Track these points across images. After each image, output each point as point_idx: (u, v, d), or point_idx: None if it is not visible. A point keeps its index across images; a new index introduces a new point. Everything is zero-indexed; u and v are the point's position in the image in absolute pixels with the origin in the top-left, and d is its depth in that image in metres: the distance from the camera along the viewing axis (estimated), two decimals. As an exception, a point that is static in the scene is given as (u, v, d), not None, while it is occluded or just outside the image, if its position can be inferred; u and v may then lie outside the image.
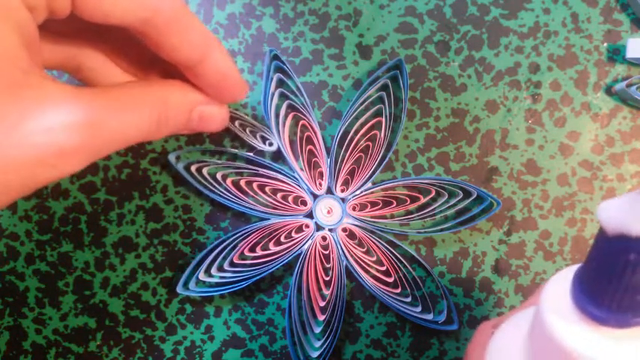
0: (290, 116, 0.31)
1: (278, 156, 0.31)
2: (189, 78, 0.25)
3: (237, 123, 0.30)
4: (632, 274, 0.12)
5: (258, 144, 0.30)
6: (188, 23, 0.22)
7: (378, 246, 0.30)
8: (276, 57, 0.30)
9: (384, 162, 0.30)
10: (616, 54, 0.30)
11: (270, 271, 0.30)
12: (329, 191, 0.31)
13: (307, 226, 0.31)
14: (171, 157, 0.30)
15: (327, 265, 0.31)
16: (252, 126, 0.30)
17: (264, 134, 0.30)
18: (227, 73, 0.24)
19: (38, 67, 0.19)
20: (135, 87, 0.22)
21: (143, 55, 0.25)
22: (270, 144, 0.30)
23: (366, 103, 0.30)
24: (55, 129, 0.19)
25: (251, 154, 0.31)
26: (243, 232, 0.30)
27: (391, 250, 0.30)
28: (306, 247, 0.30)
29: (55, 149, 0.19)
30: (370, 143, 0.30)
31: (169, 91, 0.23)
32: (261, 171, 0.31)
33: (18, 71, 0.18)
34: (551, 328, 0.13)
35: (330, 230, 0.31)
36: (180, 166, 0.30)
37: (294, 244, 0.30)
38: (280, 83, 0.30)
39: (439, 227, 0.30)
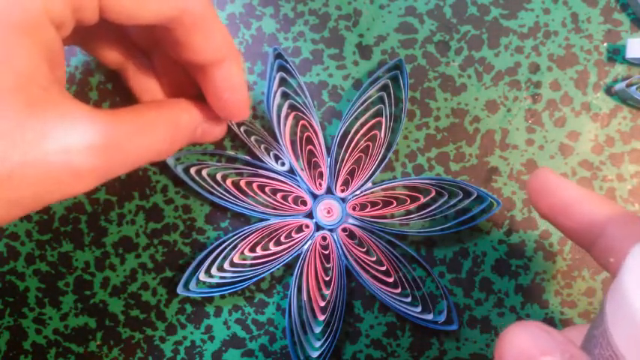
0: (291, 116, 0.31)
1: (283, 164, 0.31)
2: (198, 81, 0.25)
3: (253, 138, 0.30)
4: None
5: (271, 162, 0.30)
6: (214, 24, 0.23)
7: (378, 246, 0.30)
8: (279, 55, 0.30)
9: (384, 162, 0.30)
10: (616, 54, 0.30)
11: (271, 271, 0.30)
12: (329, 191, 0.31)
13: (307, 226, 0.31)
14: (170, 161, 0.30)
15: (327, 265, 0.31)
16: (268, 144, 0.30)
17: (277, 153, 0.30)
18: (236, 86, 0.25)
19: (59, 84, 0.20)
20: (149, 110, 0.23)
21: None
22: (283, 164, 0.30)
23: (366, 103, 0.30)
24: (73, 150, 0.19)
25: (248, 157, 0.31)
26: (243, 232, 0.30)
27: (391, 250, 0.30)
28: (306, 247, 0.30)
29: (70, 170, 0.19)
30: (370, 143, 0.30)
31: (180, 113, 0.24)
32: (261, 171, 0.31)
33: (39, 89, 0.19)
34: None
35: (330, 230, 0.31)
36: (179, 169, 0.30)
37: (294, 244, 0.30)
38: (282, 82, 0.30)
39: (439, 227, 0.30)
